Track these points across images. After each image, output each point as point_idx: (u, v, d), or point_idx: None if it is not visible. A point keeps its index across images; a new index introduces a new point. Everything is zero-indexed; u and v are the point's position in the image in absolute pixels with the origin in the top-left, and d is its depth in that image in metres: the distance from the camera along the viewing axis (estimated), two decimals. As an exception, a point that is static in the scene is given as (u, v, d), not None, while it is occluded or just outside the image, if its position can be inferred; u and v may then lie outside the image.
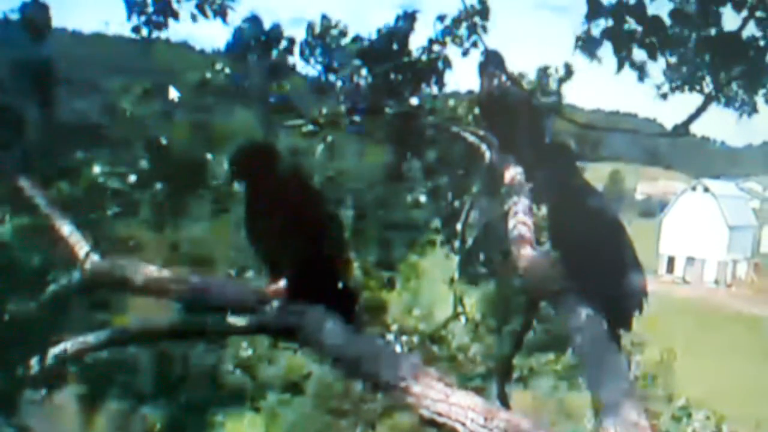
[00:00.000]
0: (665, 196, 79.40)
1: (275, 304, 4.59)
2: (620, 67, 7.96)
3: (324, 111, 10.04)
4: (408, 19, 9.64)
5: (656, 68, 8.34)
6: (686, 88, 8.41)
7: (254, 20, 9.23)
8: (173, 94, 9.99)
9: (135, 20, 8.31)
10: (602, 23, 7.74)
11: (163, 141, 9.12)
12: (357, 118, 9.97)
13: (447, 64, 9.85)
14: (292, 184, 4.75)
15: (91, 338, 4.93)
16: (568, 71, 10.35)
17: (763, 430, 26.74)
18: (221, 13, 8.43)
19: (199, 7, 8.35)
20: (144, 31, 8.28)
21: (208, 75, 9.89)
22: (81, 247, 5.13)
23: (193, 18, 8.31)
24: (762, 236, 73.82)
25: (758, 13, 7.53)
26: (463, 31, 9.82)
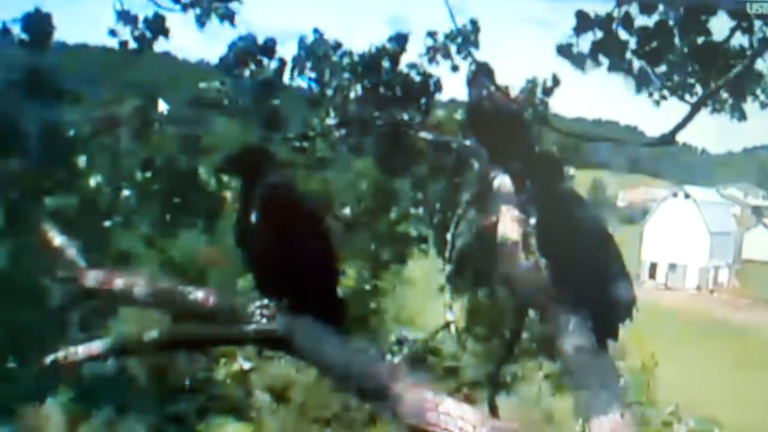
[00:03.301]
0: (647, 203, 79.63)
1: (265, 314, 4.62)
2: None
3: (314, 124, 10.09)
4: (400, 40, 9.69)
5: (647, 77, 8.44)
6: (676, 95, 8.52)
7: (248, 36, 9.26)
8: (162, 107, 10.00)
9: (122, 34, 8.31)
10: (590, 36, 7.89)
11: (156, 154, 9.15)
12: (346, 131, 10.00)
13: (438, 87, 9.93)
14: (285, 194, 4.77)
15: (81, 349, 4.93)
16: (555, 82, 10.42)
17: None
18: (229, 18, 8.45)
19: (200, 20, 8.37)
20: (132, 44, 8.29)
21: (202, 87, 9.93)
22: (76, 258, 5.16)
23: (200, 23, 8.32)
24: (743, 242, 74.16)
25: (744, 24, 7.66)
26: (453, 46, 9.89)
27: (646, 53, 7.90)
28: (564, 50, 8.10)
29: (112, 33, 8.32)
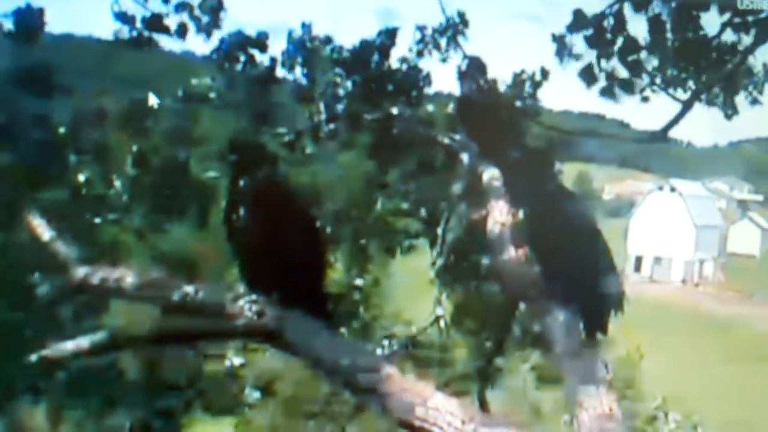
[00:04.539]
0: (633, 196, 79.78)
1: (255, 308, 4.61)
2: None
3: (305, 119, 10.10)
4: (389, 34, 9.71)
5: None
6: (666, 92, 8.57)
7: (239, 32, 9.25)
8: (153, 100, 9.99)
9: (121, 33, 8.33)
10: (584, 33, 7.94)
11: (147, 148, 9.15)
12: (337, 126, 10.01)
13: (427, 80, 9.96)
14: (276, 189, 4.77)
15: (70, 345, 4.91)
16: (544, 75, 10.45)
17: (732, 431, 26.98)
18: (211, 27, 8.44)
19: (184, 25, 8.36)
20: (133, 44, 8.29)
21: (193, 83, 9.91)
22: (66, 253, 5.13)
23: (180, 34, 8.32)
24: (728, 236, 74.47)
25: (736, 20, 7.72)
26: (442, 40, 9.90)
27: (630, 62, 8.02)
28: (560, 47, 8.20)
29: (116, 34, 8.31)
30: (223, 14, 8.57)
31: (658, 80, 8.49)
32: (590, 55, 8.60)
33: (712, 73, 8.43)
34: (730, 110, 8.84)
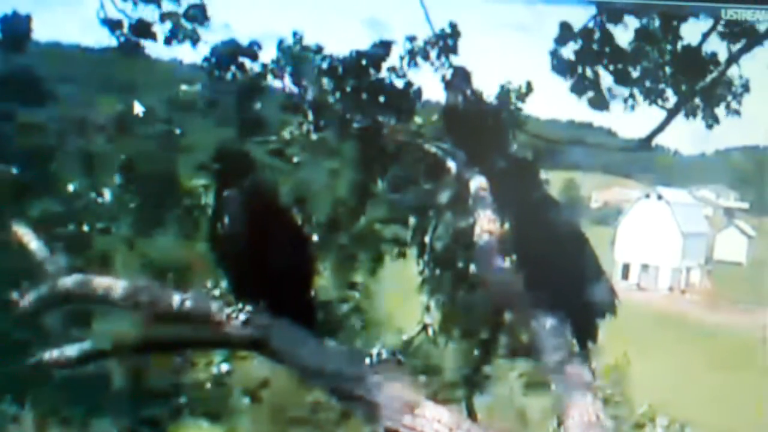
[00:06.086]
0: (620, 203, 79.84)
1: (241, 317, 4.60)
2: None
3: (293, 128, 10.11)
4: (381, 44, 9.75)
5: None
6: (649, 101, 8.64)
7: (230, 41, 9.26)
8: (138, 108, 10.01)
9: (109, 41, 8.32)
10: (572, 45, 8.01)
11: (134, 156, 9.14)
12: (325, 135, 10.04)
13: (418, 94, 10.00)
14: (263, 197, 4.77)
15: (56, 353, 4.90)
16: (529, 89, 10.51)
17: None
18: (192, 38, 8.43)
19: (171, 33, 8.35)
20: (120, 52, 8.28)
21: (182, 90, 9.91)
22: (53, 262, 5.13)
23: (167, 42, 8.31)
24: (715, 243, 74.60)
25: (720, 29, 7.81)
26: (432, 50, 9.94)
27: (616, 71, 8.12)
28: (557, 64, 8.32)
29: (103, 42, 8.35)
30: (208, 23, 8.59)
31: (643, 90, 8.58)
32: (580, 68, 8.70)
33: (693, 83, 8.54)
34: (710, 120, 8.93)
